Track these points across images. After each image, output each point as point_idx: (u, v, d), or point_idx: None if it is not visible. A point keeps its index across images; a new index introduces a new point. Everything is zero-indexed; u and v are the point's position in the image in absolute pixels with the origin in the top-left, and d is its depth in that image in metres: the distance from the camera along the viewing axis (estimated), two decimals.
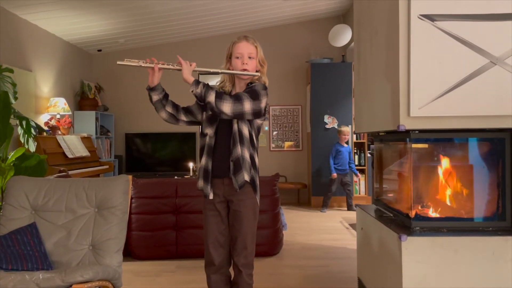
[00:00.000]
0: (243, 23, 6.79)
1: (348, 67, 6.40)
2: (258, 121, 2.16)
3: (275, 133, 7.30)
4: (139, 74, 7.04)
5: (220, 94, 2.02)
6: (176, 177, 4.90)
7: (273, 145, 7.29)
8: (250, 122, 2.12)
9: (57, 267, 2.04)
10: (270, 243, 3.86)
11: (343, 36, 5.97)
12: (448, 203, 2.29)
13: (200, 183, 2.15)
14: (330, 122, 6.48)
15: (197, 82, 2.02)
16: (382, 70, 2.38)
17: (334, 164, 6.10)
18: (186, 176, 5.78)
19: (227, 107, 2.00)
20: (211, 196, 2.13)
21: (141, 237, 3.73)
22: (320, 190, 6.45)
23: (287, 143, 7.31)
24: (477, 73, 2.03)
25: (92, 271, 1.84)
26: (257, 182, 2.15)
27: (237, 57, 2.14)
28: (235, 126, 2.09)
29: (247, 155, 2.09)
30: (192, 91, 2.02)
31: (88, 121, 6.44)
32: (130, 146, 7.26)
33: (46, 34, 5.82)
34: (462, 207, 2.28)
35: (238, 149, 2.07)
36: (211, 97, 2.00)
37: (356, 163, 6.51)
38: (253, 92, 2.07)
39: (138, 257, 3.76)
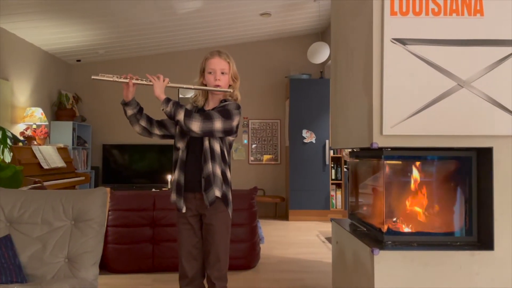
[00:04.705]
0: (224, 38, 6.87)
1: (326, 83, 6.54)
2: (230, 138, 2.19)
3: (254, 146, 7.36)
4: (117, 85, 7.00)
5: (190, 113, 2.05)
6: (153, 190, 4.88)
7: (252, 158, 7.34)
8: (222, 138, 2.15)
9: (32, 280, 2.01)
10: (247, 256, 3.88)
11: (321, 53, 6.12)
12: (419, 219, 2.37)
13: (173, 196, 2.17)
14: (308, 136, 6.58)
15: (167, 100, 2.05)
16: (357, 89, 2.47)
17: None
18: (164, 189, 5.76)
19: (195, 126, 2.03)
20: (183, 210, 2.16)
21: (118, 250, 3.70)
22: (298, 204, 6.52)
23: (265, 157, 7.37)
24: (445, 95, 2.13)
25: (68, 284, 1.84)
26: (229, 196, 2.18)
27: (210, 73, 2.18)
28: (206, 143, 2.11)
29: (218, 171, 2.12)
30: (162, 109, 2.06)
31: (65, 132, 6.36)
32: (107, 157, 7.19)
33: (25, 44, 5.77)
34: (432, 222, 2.36)
35: (209, 165, 2.09)
36: (180, 116, 2.03)
37: (333, 177, 6.63)
38: (225, 111, 2.10)
39: (114, 270, 3.72)
